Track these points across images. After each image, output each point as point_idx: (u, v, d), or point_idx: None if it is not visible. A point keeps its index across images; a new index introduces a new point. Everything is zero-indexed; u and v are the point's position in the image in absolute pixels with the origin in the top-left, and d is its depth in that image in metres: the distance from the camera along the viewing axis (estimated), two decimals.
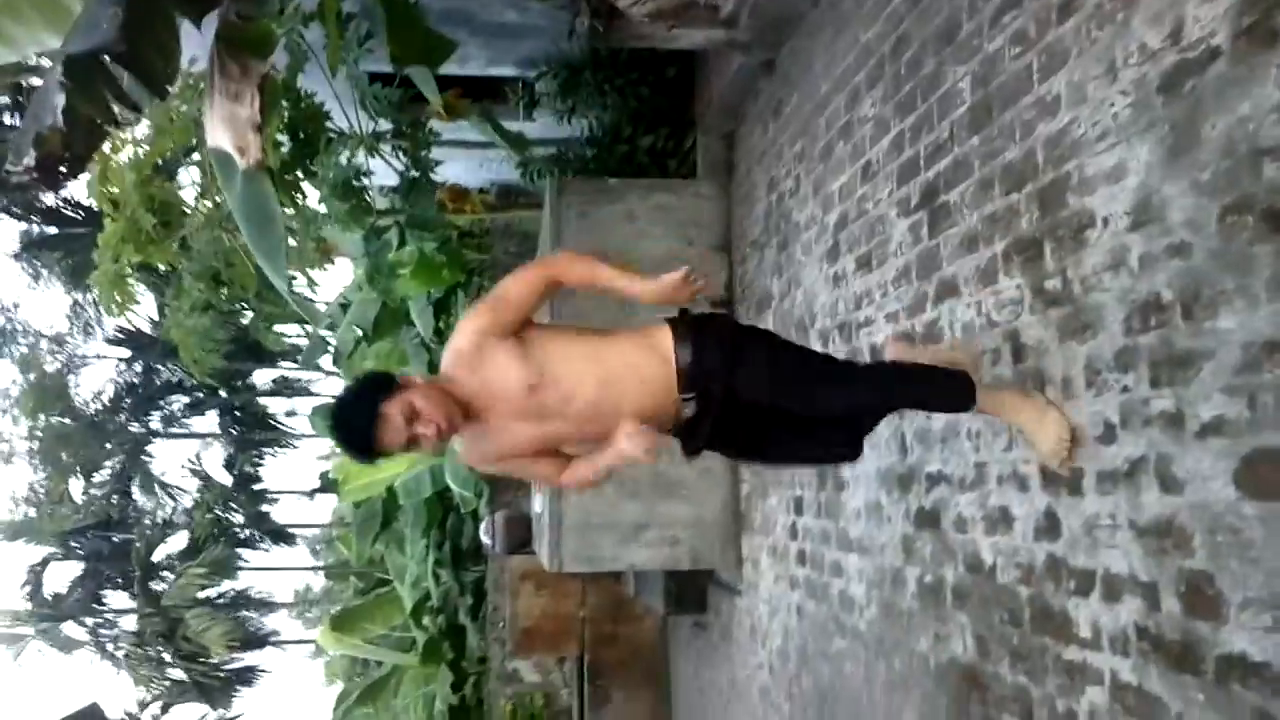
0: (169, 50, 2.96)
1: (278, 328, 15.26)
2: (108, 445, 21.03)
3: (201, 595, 20.35)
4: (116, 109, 2.83)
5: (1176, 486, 2.04)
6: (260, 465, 22.67)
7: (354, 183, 5.79)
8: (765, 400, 2.40)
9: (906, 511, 3.32)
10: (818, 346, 4.29)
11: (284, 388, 23.09)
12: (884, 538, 3.50)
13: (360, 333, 11.28)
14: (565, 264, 2.36)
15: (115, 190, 7.08)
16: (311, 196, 6.50)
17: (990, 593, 2.77)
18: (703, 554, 5.63)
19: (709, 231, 5.96)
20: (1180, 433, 2.03)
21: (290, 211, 5.74)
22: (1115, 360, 2.23)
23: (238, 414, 22.35)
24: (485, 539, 8.51)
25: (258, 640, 22.20)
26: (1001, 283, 2.70)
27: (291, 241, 5.97)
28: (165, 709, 21.29)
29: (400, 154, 6.53)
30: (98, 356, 21.28)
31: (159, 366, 20.60)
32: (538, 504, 6.59)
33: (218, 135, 3.84)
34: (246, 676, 21.75)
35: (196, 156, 8.06)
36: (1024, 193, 2.61)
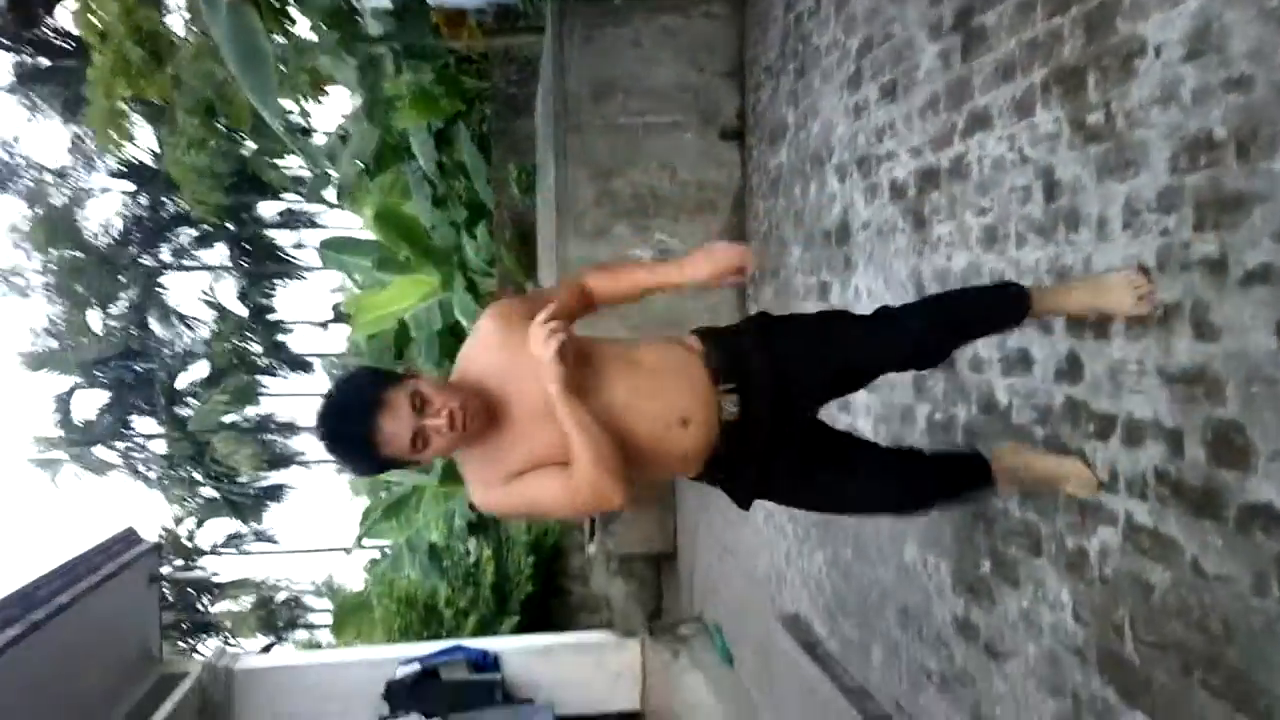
0: None
1: (279, 161, 14.90)
2: (121, 278, 21.01)
3: (226, 420, 20.81)
4: None
5: (1213, 334, 1.94)
6: (272, 296, 22.71)
7: (343, 5, 5.44)
8: (815, 373, 2.14)
9: None
10: (834, 181, 4.11)
11: (291, 220, 22.83)
12: (895, 375, 3.44)
13: (361, 166, 11.00)
14: (588, 272, 2.10)
15: (101, 20, 6.71)
16: (301, 26, 6.15)
17: (1003, 431, 2.72)
18: None
19: (719, 57, 5.64)
20: (1222, 279, 1.91)
21: (281, 40, 5.42)
22: (1157, 201, 2.09)
23: (246, 247, 22.20)
24: None
25: (284, 460, 22.89)
26: (1039, 115, 2.51)
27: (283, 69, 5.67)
28: (200, 524, 22.20)
29: None
30: (103, 190, 20.96)
31: (165, 199, 20.30)
32: None
33: None
34: (275, 493, 22.56)
35: None
36: (1069, 16, 2.39)
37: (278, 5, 5.53)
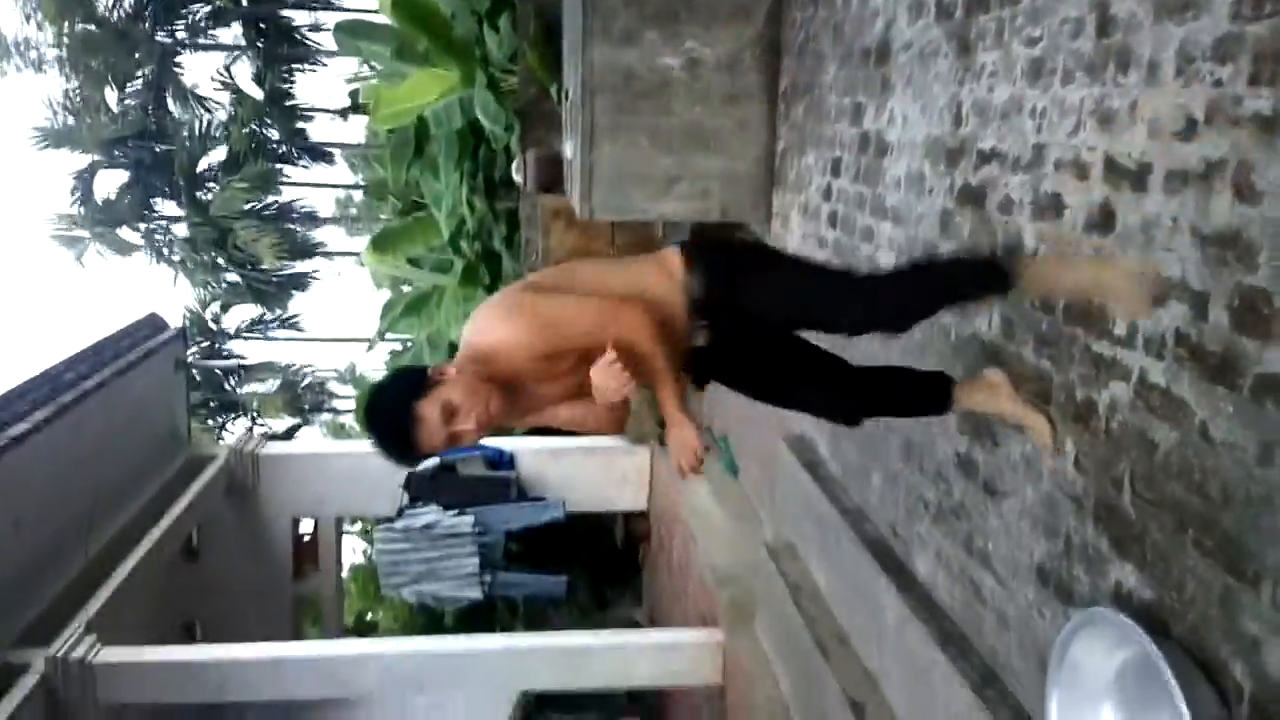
0: None
1: None
2: (136, 55, 20.39)
3: (247, 207, 20.74)
4: None
5: (1254, 197, 1.85)
6: (291, 82, 22.06)
7: None
8: (778, 317, 2.41)
9: (950, 186, 3.14)
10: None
11: None
12: (922, 208, 3.36)
13: None
14: (633, 329, 2.20)
15: None
16: None
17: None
18: (733, 207, 5.52)
19: None
20: (1272, 138, 1.80)
21: None
22: (1213, 49, 1.95)
23: (261, 27, 21.35)
24: (517, 176, 8.39)
25: (306, 250, 22.99)
26: None
27: None
28: (225, 309, 22.61)
29: None
30: None
31: None
32: (569, 148, 6.39)
33: None
34: (298, 281, 22.80)
35: None
36: None
37: None
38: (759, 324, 2.42)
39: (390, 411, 2.10)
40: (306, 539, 10.07)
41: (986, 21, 2.92)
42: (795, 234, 4.96)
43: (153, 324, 8.56)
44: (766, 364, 2.54)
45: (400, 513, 8.09)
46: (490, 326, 2.20)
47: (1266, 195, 1.82)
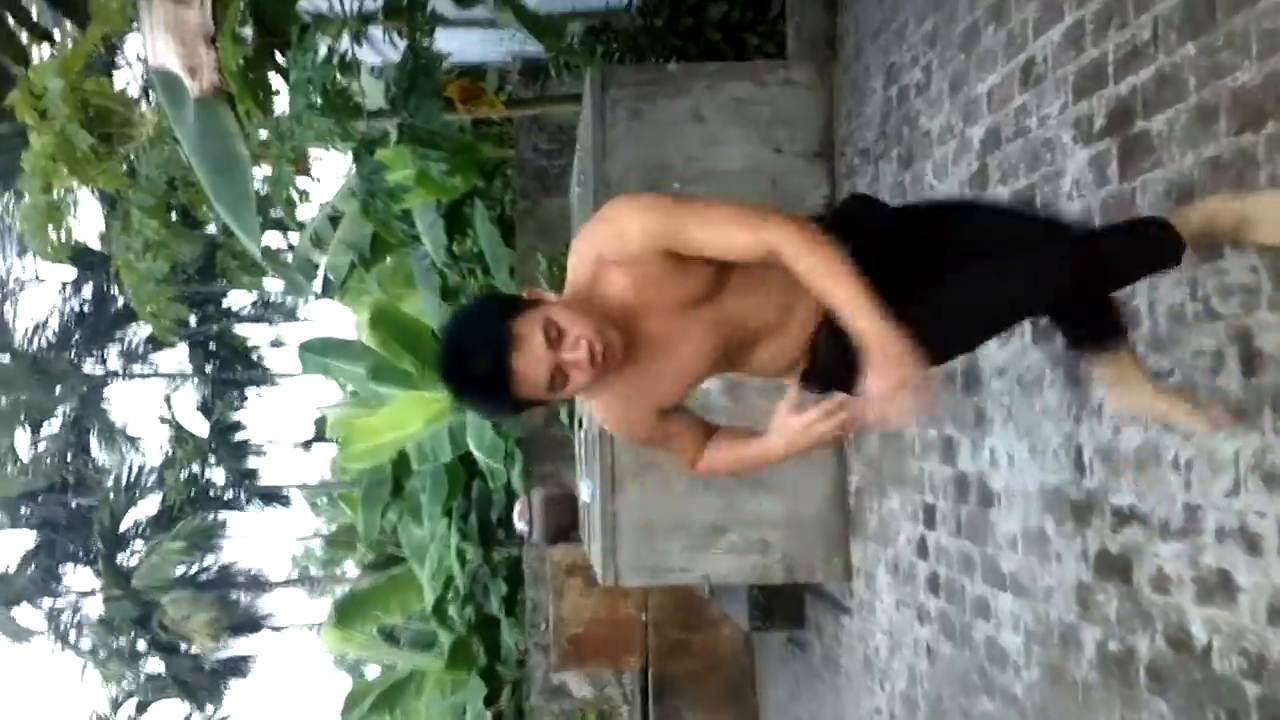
0: None
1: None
2: (57, 389, 21.51)
3: (179, 573, 20.95)
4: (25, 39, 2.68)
5: None
6: (242, 409, 23.08)
7: (337, 82, 5.58)
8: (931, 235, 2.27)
9: (1083, 551, 3.11)
10: None
11: (266, 312, 23.34)
12: (1051, 580, 3.30)
13: (355, 257, 11.22)
14: (799, 236, 2.02)
15: (43, 90, 6.94)
16: (280, 94, 6.32)
17: (1201, 680, 2.57)
18: (800, 562, 5.49)
19: (803, 133, 5.66)
20: None
21: (262, 133, 5.56)
22: None
23: (212, 346, 22.67)
24: (520, 524, 8.46)
25: (249, 624, 22.91)
26: (1228, 267, 2.42)
27: (264, 170, 5.82)
28: (141, 708, 22.18)
29: (396, 36, 6.31)
30: (36, 278, 21.60)
31: (112, 291, 20.86)
32: (585, 491, 6.50)
33: (160, 50, 3.67)
34: (237, 667, 22.52)
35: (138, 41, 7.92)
36: (1262, 134, 2.31)
37: (254, 78, 5.70)
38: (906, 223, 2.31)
39: (481, 334, 1.96)
40: None
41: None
42: (886, 600, 4.88)
43: None
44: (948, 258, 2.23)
45: None
46: (591, 231, 2.10)
47: None
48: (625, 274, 2.04)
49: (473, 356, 1.97)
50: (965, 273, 2.16)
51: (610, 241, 2.04)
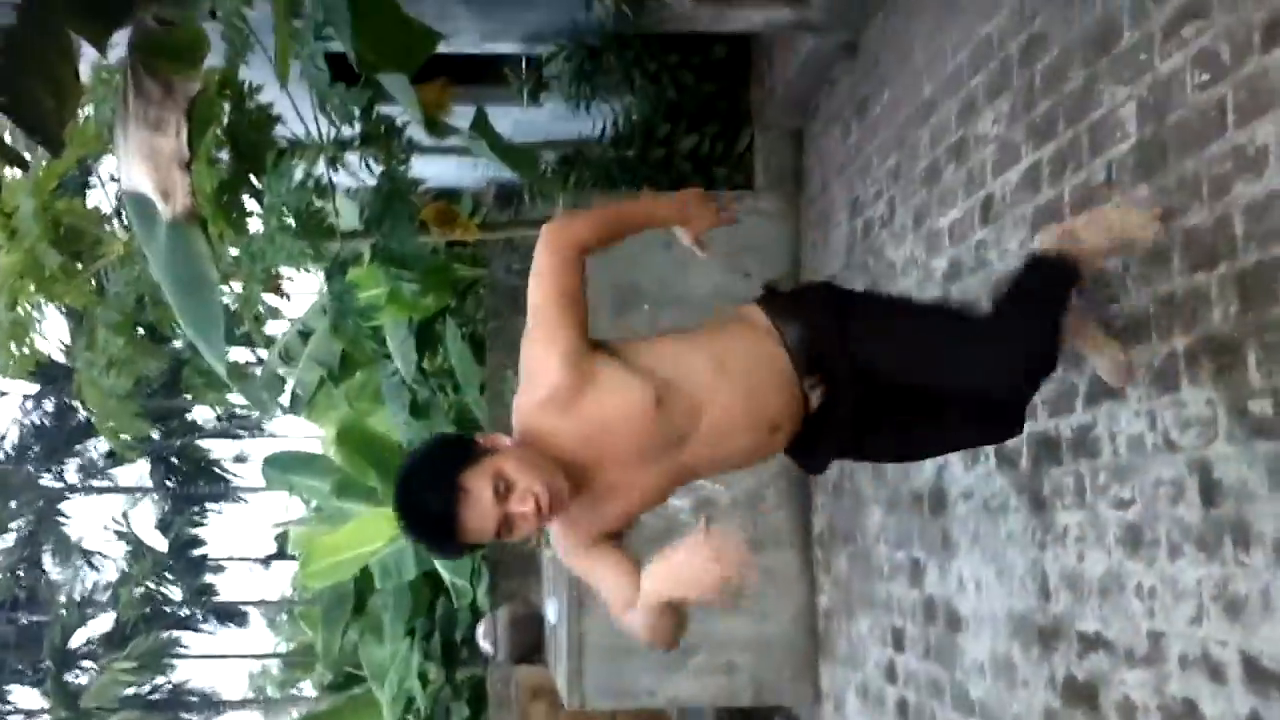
0: (64, 86, 2.85)
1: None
2: (12, 504, 21.18)
3: (129, 693, 20.40)
4: None
5: None
6: (202, 525, 22.76)
7: (311, 205, 5.66)
8: (896, 365, 2.40)
9: (1050, 678, 3.13)
10: None
11: (231, 427, 23.19)
12: (1019, 707, 3.31)
13: (324, 373, 11.24)
14: (569, 223, 2.27)
15: (13, 209, 6.99)
16: (254, 216, 6.39)
17: None
18: (768, 684, 5.46)
19: (772, 259, 5.79)
20: None
21: (234, 252, 5.62)
22: None
23: (173, 461, 22.44)
24: (484, 645, 8.35)
25: None
26: (1186, 400, 2.50)
27: (235, 287, 5.87)
28: None
29: (371, 162, 6.42)
30: None
31: (73, 404, 20.70)
32: (551, 610, 6.45)
33: (134, 175, 3.73)
34: None
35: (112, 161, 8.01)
36: (1215, 274, 2.42)
37: (228, 200, 5.78)
38: (874, 360, 2.40)
39: (430, 483, 2.04)
40: None
41: (1061, 475, 3.08)
42: None
43: None
44: (906, 408, 2.52)
45: None
46: (524, 353, 2.21)
47: None
48: (564, 417, 2.14)
49: (422, 505, 2.06)
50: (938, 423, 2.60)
51: (535, 382, 2.17)
